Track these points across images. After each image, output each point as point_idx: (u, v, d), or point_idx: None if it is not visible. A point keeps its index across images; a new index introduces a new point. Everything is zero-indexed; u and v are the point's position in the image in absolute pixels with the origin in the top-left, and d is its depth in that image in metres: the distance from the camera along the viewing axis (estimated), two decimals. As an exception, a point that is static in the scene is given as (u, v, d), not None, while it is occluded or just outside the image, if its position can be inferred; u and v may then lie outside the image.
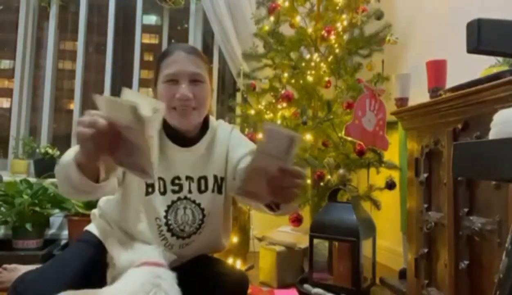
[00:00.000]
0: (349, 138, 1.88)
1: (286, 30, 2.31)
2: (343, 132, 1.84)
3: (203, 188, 1.15)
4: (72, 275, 0.99)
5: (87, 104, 2.99)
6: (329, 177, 1.99)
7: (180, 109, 1.06)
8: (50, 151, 2.64)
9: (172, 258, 1.01)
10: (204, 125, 1.19)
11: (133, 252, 0.95)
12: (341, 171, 1.90)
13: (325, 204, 1.82)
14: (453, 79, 1.42)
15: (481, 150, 0.62)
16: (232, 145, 1.18)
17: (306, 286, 1.73)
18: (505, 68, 1.19)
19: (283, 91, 2.14)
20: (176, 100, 1.05)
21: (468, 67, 1.25)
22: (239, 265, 1.99)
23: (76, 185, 0.87)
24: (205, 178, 1.15)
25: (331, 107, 2.08)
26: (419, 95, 1.71)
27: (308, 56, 2.28)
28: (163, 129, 1.13)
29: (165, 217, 1.09)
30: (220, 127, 1.23)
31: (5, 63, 3.09)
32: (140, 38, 3.01)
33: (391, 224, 2.16)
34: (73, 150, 0.89)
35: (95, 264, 1.05)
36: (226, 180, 1.18)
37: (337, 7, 2.24)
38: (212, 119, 1.23)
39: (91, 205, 2.15)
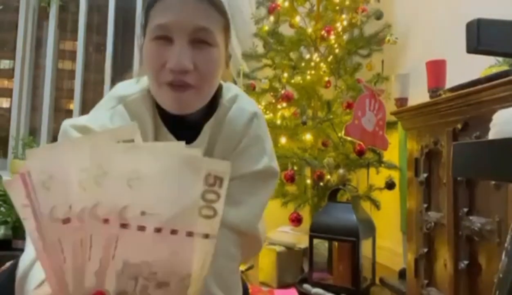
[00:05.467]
0: (349, 138, 1.89)
1: (286, 30, 2.31)
2: (343, 132, 1.84)
3: None
4: None
5: (87, 104, 2.99)
6: (329, 177, 1.99)
7: (173, 85, 0.67)
8: (50, 150, 2.65)
9: None
10: (213, 99, 0.76)
11: None
12: (340, 171, 1.90)
13: (325, 204, 1.82)
14: (453, 79, 1.42)
15: (480, 150, 0.62)
16: (242, 147, 0.76)
17: (306, 286, 1.73)
18: (505, 68, 1.19)
19: (283, 91, 2.14)
20: (167, 72, 0.67)
21: (468, 67, 1.25)
22: (239, 265, 1.99)
23: None
24: None
25: (331, 107, 2.08)
26: (419, 95, 1.71)
27: (308, 56, 2.28)
28: (157, 110, 0.75)
29: None
30: (237, 107, 0.78)
31: (5, 63, 3.09)
32: (140, 38, 3.00)
33: (391, 224, 2.16)
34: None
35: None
36: None
37: (337, 7, 2.24)
38: (227, 89, 0.81)
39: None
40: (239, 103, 0.79)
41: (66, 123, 0.70)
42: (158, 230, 0.36)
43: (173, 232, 0.37)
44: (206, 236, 0.38)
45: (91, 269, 0.38)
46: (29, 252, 0.56)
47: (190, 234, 0.37)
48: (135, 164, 0.36)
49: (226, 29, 0.74)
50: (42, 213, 0.37)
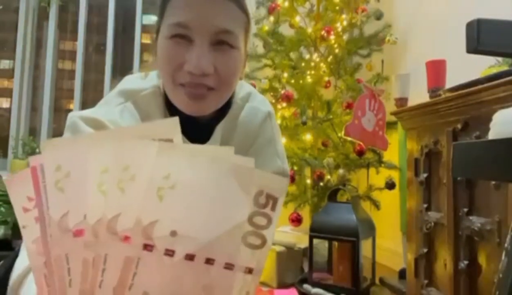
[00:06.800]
0: (349, 139, 1.89)
1: (285, 30, 2.31)
2: (343, 132, 1.84)
3: None
4: None
5: (87, 104, 3.00)
6: (328, 177, 1.99)
7: (190, 88, 0.63)
8: (50, 151, 2.65)
9: None
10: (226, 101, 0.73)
11: None
12: (340, 171, 1.90)
13: (325, 204, 1.82)
14: (453, 79, 1.42)
15: (480, 150, 0.62)
16: (255, 149, 0.76)
17: (306, 286, 1.73)
18: (505, 68, 1.19)
19: (282, 91, 2.14)
20: (185, 73, 0.62)
21: (468, 67, 1.25)
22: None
23: None
24: None
25: (331, 107, 2.08)
26: (419, 95, 1.71)
27: (307, 56, 2.28)
28: (167, 109, 0.72)
29: None
30: (250, 107, 0.77)
31: (5, 63, 3.09)
32: (140, 38, 3.01)
33: (391, 224, 2.16)
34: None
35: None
36: None
37: (337, 7, 2.24)
38: (239, 86, 0.77)
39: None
40: (252, 102, 0.77)
41: (74, 115, 0.64)
42: (190, 257, 0.28)
43: (209, 261, 0.29)
44: (250, 270, 0.30)
45: None
46: (25, 257, 0.48)
47: (229, 266, 0.29)
48: (169, 170, 0.28)
49: (247, 28, 0.69)
50: (51, 219, 0.29)
